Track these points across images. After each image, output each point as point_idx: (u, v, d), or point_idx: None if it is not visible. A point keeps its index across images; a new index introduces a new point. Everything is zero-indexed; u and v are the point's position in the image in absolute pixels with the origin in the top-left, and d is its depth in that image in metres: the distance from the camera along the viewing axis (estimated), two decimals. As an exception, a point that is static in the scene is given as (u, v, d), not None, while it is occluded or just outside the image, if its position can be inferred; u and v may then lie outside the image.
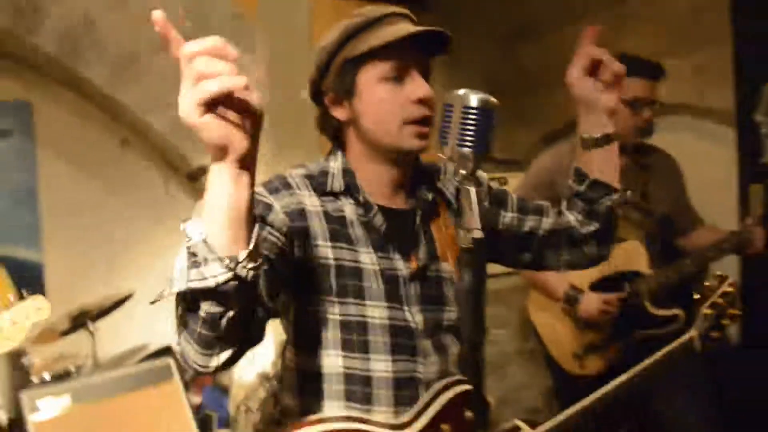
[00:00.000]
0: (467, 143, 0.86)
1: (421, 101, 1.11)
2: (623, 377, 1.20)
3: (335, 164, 1.18)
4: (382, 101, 1.11)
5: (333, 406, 1.12)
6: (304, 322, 1.13)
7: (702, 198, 2.45)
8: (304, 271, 1.10)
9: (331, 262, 1.11)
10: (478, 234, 0.85)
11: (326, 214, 1.13)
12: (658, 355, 1.23)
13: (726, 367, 2.57)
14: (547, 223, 1.32)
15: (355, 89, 1.13)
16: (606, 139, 1.25)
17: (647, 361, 1.22)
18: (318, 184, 1.16)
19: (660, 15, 3.38)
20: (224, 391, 3.30)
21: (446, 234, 1.20)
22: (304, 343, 1.14)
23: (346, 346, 1.10)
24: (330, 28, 1.17)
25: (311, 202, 1.13)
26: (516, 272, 2.26)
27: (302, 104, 3.57)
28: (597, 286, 2.08)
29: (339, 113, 1.16)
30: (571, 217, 1.31)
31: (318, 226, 1.11)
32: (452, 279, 1.18)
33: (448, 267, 1.19)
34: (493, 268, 2.21)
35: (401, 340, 1.13)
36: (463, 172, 0.87)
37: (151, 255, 3.38)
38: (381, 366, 1.11)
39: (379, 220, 1.15)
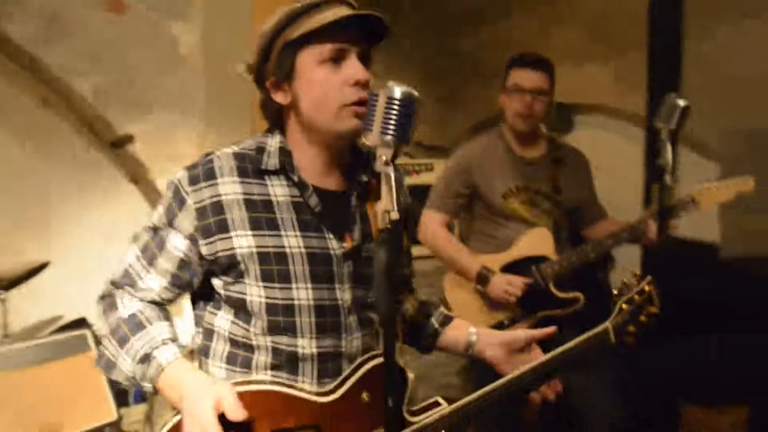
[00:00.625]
0: (390, 131, 0.92)
1: (359, 84, 1.13)
2: (538, 361, 1.26)
3: (272, 141, 1.20)
4: (321, 83, 1.13)
5: (260, 374, 1.18)
6: (232, 302, 1.18)
7: (612, 192, 2.62)
8: (223, 261, 1.15)
9: (254, 250, 1.13)
10: (395, 215, 0.92)
11: (247, 201, 1.15)
12: (572, 342, 1.29)
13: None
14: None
15: (295, 72, 1.14)
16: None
17: (562, 348, 1.28)
18: (252, 161, 1.17)
19: (586, 20, 3.56)
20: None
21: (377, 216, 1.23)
22: (236, 319, 1.19)
23: (273, 327, 1.16)
24: (271, 11, 1.19)
25: (232, 190, 1.15)
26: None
27: (237, 79, 3.54)
28: (508, 269, 2.20)
29: (279, 97, 1.18)
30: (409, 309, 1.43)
31: (237, 216, 1.14)
32: None
33: None
34: (420, 250, 2.32)
35: (328, 319, 1.18)
36: (384, 158, 0.94)
37: (68, 223, 3.27)
38: (306, 343, 1.16)
39: (314, 200, 1.17)
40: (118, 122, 3.11)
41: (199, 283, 1.22)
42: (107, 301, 1.22)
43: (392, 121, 0.92)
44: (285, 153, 1.18)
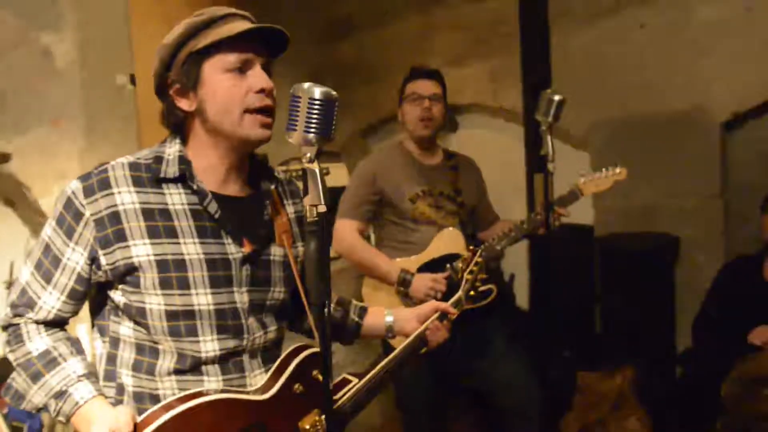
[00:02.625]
0: (312, 129, 0.98)
1: (263, 91, 1.18)
2: (419, 330, 1.49)
3: (171, 150, 1.21)
4: (226, 90, 1.16)
5: (165, 381, 1.20)
6: (132, 311, 1.19)
7: (497, 184, 2.82)
8: (121, 271, 1.16)
9: (152, 258, 1.15)
10: (322, 209, 0.98)
11: (144, 210, 1.16)
12: (436, 314, 1.53)
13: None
14: None
15: (200, 80, 1.17)
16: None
17: (428, 320, 1.52)
18: (150, 171, 1.19)
19: (461, 24, 3.78)
20: (33, 398, 3.05)
21: (282, 221, 1.30)
22: (137, 327, 1.21)
23: (174, 332, 1.18)
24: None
25: (129, 199, 1.16)
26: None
27: (118, 89, 3.42)
28: (424, 270, 2.28)
29: (184, 104, 1.20)
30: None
31: (135, 226, 1.15)
32: (282, 262, 1.28)
33: (280, 251, 1.28)
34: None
35: (229, 322, 1.21)
36: (308, 155, 1.00)
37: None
38: (209, 346, 1.20)
39: (213, 207, 1.20)
40: (-8, 140, 2.90)
41: (94, 293, 1.24)
42: (11, 331, 1.22)
43: (314, 120, 0.98)
44: (184, 161, 1.20)
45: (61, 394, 1.15)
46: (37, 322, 1.22)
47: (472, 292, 1.64)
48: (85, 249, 1.16)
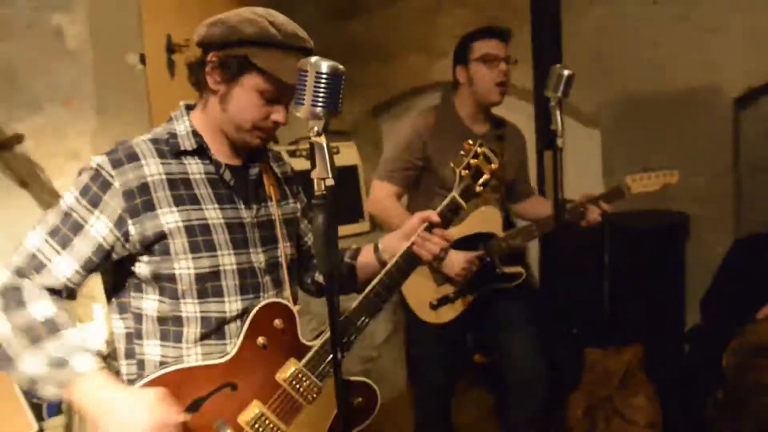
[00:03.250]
0: (320, 103, 0.99)
1: (276, 124, 1.29)
2: (405, 246, 1.40)
3: (182, 126, 1.30)
4: (250, 106, 1.25)
5: (191, 349, 1.26)
6: (161, 280, 1.25)
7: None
8: (150, 240, 1.21)
9: (180, 224, 1.22)
10: (330, 182, 1.00)
11: (170, 181, 1.23)
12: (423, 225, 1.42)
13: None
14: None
15: (236, 81, 1.24)
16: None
17: (424, 225, 1.41)
18: (168, 145, 1.27)
19: (472, 2, 3.74)
20: (51, 374, 3.12)
21: (271, 182, 1.39)
22: (162, 297, 1.26)
23: (202, 294, 1.25)
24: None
25: (156, 170, 1.23)
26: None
27: (129, 69, 3.44)
28: (457, 244, 2.17)
29: (212, 81, 1.26)
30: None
31: (162, 196, 1.22)
32: (280, 220, 1.37)
33: (274, 211, 1.37)
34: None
35: (248, 280, 1.30)
36: (316, 128, 1.01)
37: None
38: (233, 306, 1.28)
39: (227, 175, 1.30)
40: (3, 122, 2.92)
41: (108, 266, 1.25)
42: (12, 294, 1.16)
43: (321, 94, 0.99)
44: (197, 135, 1.29)
45: (59, 362, 1.12)
46: (41, 287, 1.19)
47: (478, 187, 1.47)
48: (110, 219, 1.19)
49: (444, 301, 2.24)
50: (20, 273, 1.18)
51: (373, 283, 1.39)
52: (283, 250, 1.37)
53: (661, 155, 3.11)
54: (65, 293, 1.22)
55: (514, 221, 2.65)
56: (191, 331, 1.26)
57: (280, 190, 1.43)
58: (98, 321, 3.23)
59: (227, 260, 1.27)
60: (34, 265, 1.18)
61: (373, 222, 3.81)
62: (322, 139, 1.01)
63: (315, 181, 1.00)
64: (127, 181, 1.20)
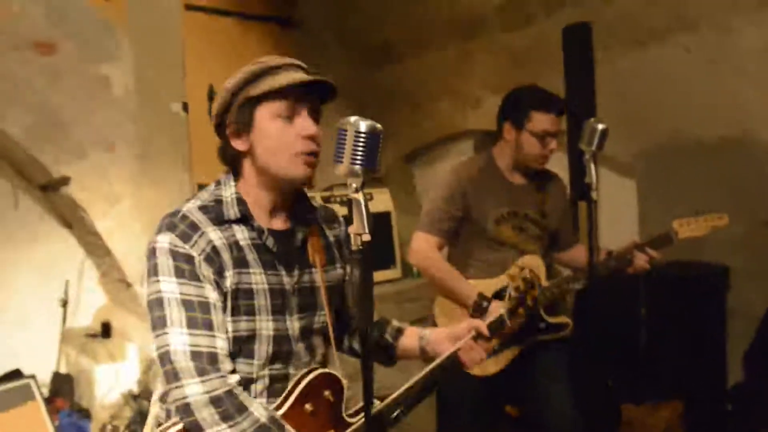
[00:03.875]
0: (358, 161, 1.02)
1: (309, 137, 1.27)
2: (452, 349, 1.46)
3: (228, 193, 1.32)
4: (276, 135, 1.27)
5: None
6: None
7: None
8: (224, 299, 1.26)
9: (232, 287, 1.25)
10: (366, 237, 1.01)
11: (227, 245, 1.27)
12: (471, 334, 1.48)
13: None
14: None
15: (253, 124, 1.28)
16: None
17: (469, 335, 1.48)
18: (215, 212, 1.29)
19: (502, 50, 3.79)
20: (83, 414, 3.15)
21: (318, 247, 1.39)
22: None
23: (233, 354, 1.26)
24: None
25: (216, 236, 1.26)
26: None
27: (172, 116, 3.56)
28: (498, 294, 2.18)
29: (238, 144, 1.30)
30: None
31: (227, 258, 1.25)
32: (321, 288, 1.37)
33: (318, 277, 1.37)
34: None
35: (283, 348, 1.31)
36: (354, 185, 1.04)
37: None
38: (260, 370, 1.29)
39: (270, 241, 1.31)
40: (51, 165, 3.04)
41: None
42: (229, 402, 1.17)
43: (360, 153, 1.02)
44: (241, 202, 1.31)
45: None
46: (237, 382, 1.21)
47: (520, 310, 1.58)
48: (211, 285, 1.23)
49: (490, 354, 2.20)
50: (207, 373, 1.17)
51: (415, 378, 1.40)
52: (327, 317, 1.38)
53: (697, 205, 3.05)
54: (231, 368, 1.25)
55: (555, 271, 2.61)
56: None
57: (328, 254, 1.42)
58: (131, 360, 3.28)
59: (265, 326, 1.28)
60: (208, 359, 1.18)
61: (405, 269, 3.81)
62: (360, 196, 1.03)
63: (352, 236, 1.02)
64: (202, 250, 1.23)
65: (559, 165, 3.54)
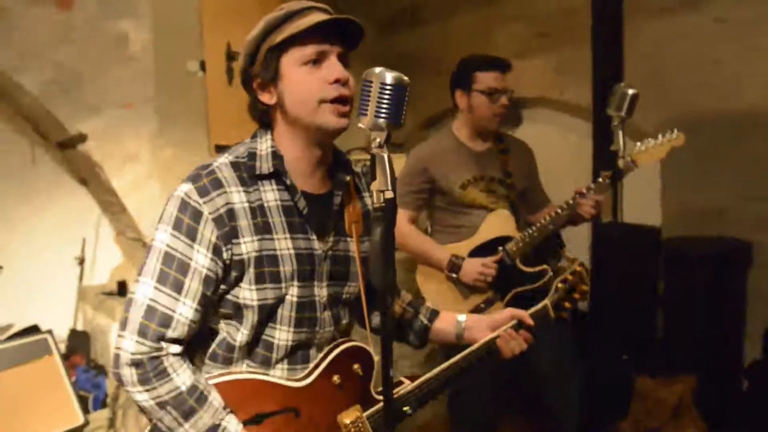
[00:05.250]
0: (383, 114, 0.98)
1: (338, 81, 1.19)
2: (489, 337, 1.43)
3: (264, 146, 1.24)
4: (302, 82, 1.19)
5: (235, 367, 1.25)
6: (227, 306, 1.23)
7: (560, 181, 2.75)
8: (229, 266, 1.19)
9: (253, 254, 1.19)
10: (389, 194, 0.97)
11: (250, 209, 1.20)
12: (512, 323, 1.46)
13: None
14: None
15: (279, 74, 1.20)
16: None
17: (510, 323, 1.45)
18: (246, 168, 1.22)
19: (527, 16, 3.70)
20: (99, 371, 3.19)
21: (354, 214, 1.32)
22: (225, 316, 1.25)
23: (257, 323, 1.22)
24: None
25: (239, 198, 1.19)
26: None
27: (189, 75, 3.53)
28: (475, 254, 2.28)
29: (265, 98, 1.23)
30: (396, 308, 1.53)
31: (245, 224, 1.18)
32: (357, 258, 1.31)
33: (353, 246, 1.32)
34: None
35: (306, 314, 1.26)
36: (378, 140, 0.99)
37: (13, 231, 3.17)
38: (284, 336, 1.25)
39: (302, 203, 1.24)
40: (67, 122, 3.03)
41: (218, 298, 1.22)
42: (149, 367, 1.13)
43: (385, 106, 0.97)
44: (277, 156, 1.23)
45: (213, 428, 1.14)
46: (174, 352, 1.16)
47: (567, 304, 1.53)
48: (208, 249, 1.16)
49: (475, 312, 2.23)
50: (150, 337, 1.14)
51: (450, 362, 1.39)
52: (361, 289, 1.33)
53: (723, 179, 2.98)
54: (187, 336, 1.19)
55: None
56: (238, 355, 1.25)
57: (365, 223, 1.36)
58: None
59: (290, 291, 1.23)
60: (160, 321, 1.14)
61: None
62: (384, 151, 0.99)
63: (374, 193, 0.98)
64: (216, 209, 1.16)
65: (578, 132, 3.50)
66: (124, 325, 1.15)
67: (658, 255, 3.12)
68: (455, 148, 2.38)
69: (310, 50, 1.19)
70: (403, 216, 2.34)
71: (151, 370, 1.13)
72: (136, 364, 1.13)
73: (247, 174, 1.22)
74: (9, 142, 3.20)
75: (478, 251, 2.27)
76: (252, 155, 1.24)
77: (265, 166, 1.22)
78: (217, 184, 1.18)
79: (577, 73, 3.43)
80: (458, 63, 2.42)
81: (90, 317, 3.32)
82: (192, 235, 1.16)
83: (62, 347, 3.01)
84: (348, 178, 1.31)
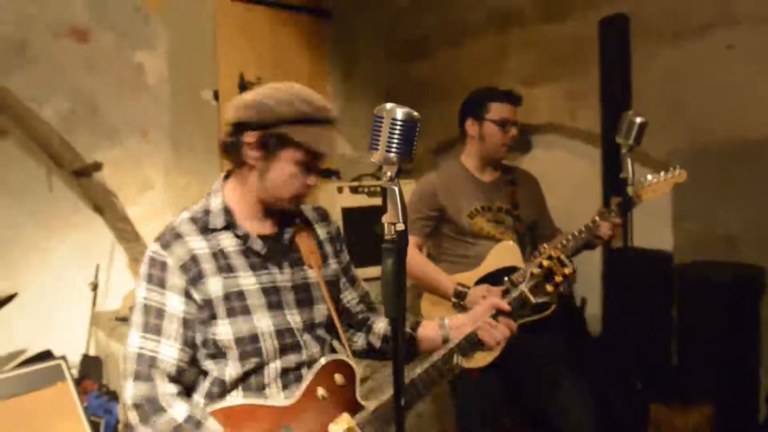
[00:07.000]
0: (394, 149, 1.01)
1: (310, 188, 1.38)
2: (469, 330, 1.47)
3: (215, 204, 1.40)
4: (288, 177, 1.34)
5: (232, 397, 1.34)
6: (206, 345, 1.34)
7: (570, 207, 2.76)
8: (201, 306, 1.32)
9: (220, 293, 1.32)
10: (401, 227, 1.00)
11: (210, 253, 1.34)
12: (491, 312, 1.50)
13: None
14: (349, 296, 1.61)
15: (275, 156, 1.33)
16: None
17: (489, 314, 1.49)
18: (202, 222, 1.37)
19: (537, 43, 3.74)
20: (111, 397, 3.19)
21: (309, 245, 1.46)
22: (210, 356, 1.35)
23: (243, 356, 1.33)
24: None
25: (199, 246, 1.34)
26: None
27: (203, 104, 3.59)
28: (480, 283, 2.28)
29: (251, 156, 1.34)
30: (381, 326, 1.61)
31: (208, 267, 1.33)
32: (316, 283, 1.43)
33: (312, 273, 1.44)
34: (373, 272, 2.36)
35: (287, 340, 1.36)
36: (389, 173, 1.02)
37: (30, 257, 3.21)
38: (272, 365, 1.35)
39: (257, 244, 1.38)
40: (84, 150, 3.09)
41: (201, 339, 1.33)
42: (147, 406, 1.26)
43: (396, 141, 1.00)
44: (227, 212, 1.38)
45: None
46: (169, 392, 1.28)
47: (548, 287, 1.54)
48: (179, 294, 1.30)
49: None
50: (141, 376, 1.28)
51: (434, 358, 1.43)
52: (331, 310, 1.43)
53: (734, 205, 2.97)
54: (180, 374, 1.32)
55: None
56: (232, 388, 1.34)
57: (322, 251, 1.49)
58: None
59: (263, 323, 1.34)
60: (149, 363, 1.28)
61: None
62: (395, 185, 1.02)
63: (385, 225, 1.00)
64: (179, 257, 1.31)
65: (589, 158, 3.51)
66: (124, 376, 1.30)
67: (671, 280, 3.10)
68: (464, 177, 2.41)
69: (308, 160, 1.34)
70: (410, 242, 2.34)
71: (149, 409, 1.26)
72: (136, 405, 1.27)
73: (204, 227, 1.37)
74: (26, 169, 3.26)
75: (484, 281, 2.29)
76: (207, 211, 1.39)
77: (217, 221, 1.37)
78: (177, 236, 1.34)
79: (587, 99, 3.46)
80: (471, 93, 2.47)
81: (103, 342, 3.34)
82: (162, 284, 1.30)
83: (74, 372, 3.03)
84: (297, 219, 1.46)
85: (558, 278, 1.54)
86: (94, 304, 3.35)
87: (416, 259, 2.36)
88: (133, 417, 1.26)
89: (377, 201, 3.45)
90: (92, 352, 3.38)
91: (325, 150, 1.32)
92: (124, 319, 3.36)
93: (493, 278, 2.28)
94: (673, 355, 3.11)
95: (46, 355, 2.82)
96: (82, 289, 3.34)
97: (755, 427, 2.79)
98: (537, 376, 2.32)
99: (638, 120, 1.83)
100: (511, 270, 2.28)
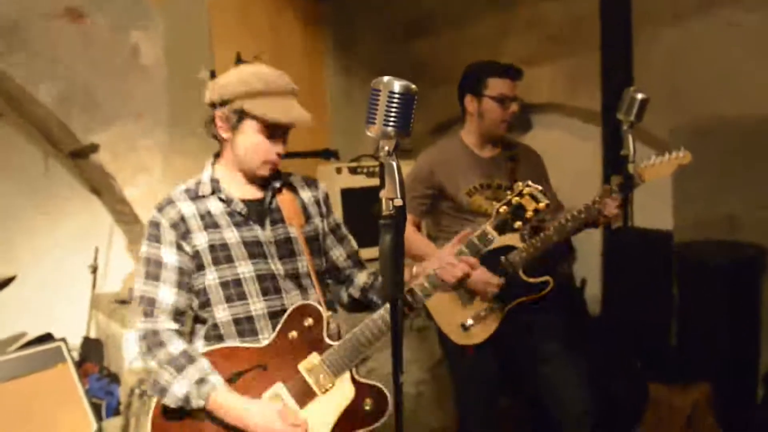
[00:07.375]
0: (391, 123, 0.99)
1: (279, 155, 1.57)
2: (429, 270, 1.51)
3: (206, 175, 1.62)
4: (252, 146, 1.54)
5: (230, 343, 1.55)
6: (197, 290, 1.57)
7: (570, 187, 2.74)
8: (192, 257, 1.55)
9: (206, 244, 1.55)
10: (399, 202, 0.98)
11: (199, 214, 1.58)
12: (461, 246, 1.55)
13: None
14: (337, 254, 1.77)
15: (238, 129, 1.54)
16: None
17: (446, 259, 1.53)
18: (193, 191, 1.61)
19: (537, 23, 3.69)
20: (113, 379, 3.21)
21: (292, 207, 1.64)
22: (203, 304, 1.57)
23: (228, 298, 1.55)
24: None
25: (188, 209, 1.58)
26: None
27: (200, 84, 3.56)
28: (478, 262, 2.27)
29: (222, 132, 1.56)
30: (362, 278, 1.76)
31: (194, 224, 1.56)
32: (297, 238, 1.62)
33: (294, 230, 1.63)
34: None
35: (269, 284, 1.57)
36: (386, 148, 1.00)
37: (26, 240, 3.21)
38: (258, 306, 1.55)
39: (239, 206, 1.59)
40: (80, 132, 3.06)
41: (196, 288, 1.57)
42: (150, 337, 1.51)
43: (393, 114, 0.98)
44: (214, 181, 1.61)
45: (201, 380, 1.45)
46: (168, 327, 1.51)
47: (517, 223, 1.51)
48: (171, 246, 1.54)
49: (475, 320, 2.25)
50: (146, 314, 1.52)
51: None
52: (308, 262, 1.62)
53: (736, 185, 2.95)
54: (182, 315, 1.55)
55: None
56: (227, 332, 1.55)
57: (306, 212, 1.68)
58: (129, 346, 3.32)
59: (245, 268, 1.55)
60: (148, 303, 1.52)
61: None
62: (393, 159, 1.00)
63: (383, 200, 0.99)
64: (170, 218, 1.56)
65: (589, 137, 3.48)
66: (133, 314, 1.54)
67: (671, 260, 3.10)
68: (463, 154, 2.37)
69: (269, 131, 1.52)
70: (407, 220, 2.33)
71: (151, 341, 1.50)
72: (141, 337, 1.51)
73: (195, 195, 1.60)
74: (23, 152, 3.24)
75: (482, 260, 2.26)
76: (198, 182, 1.62)
77: (206, 189, 1.60)
78: (170, 201, 1.59)
79: (587, 79, 3.42)
80: (469, 66, 2.41)
81: (103, 325, 3.35)
82: (158, 240, 1.55)
83: (75, 355, 3.03)
84: (278, 184, 1.64)
85: (529, 213, 1.49)
86: (93, 286, 3.35)
87: (413, 237, 2.34)
88: (139, 347, 1.50)
89: (376, 181, 3.44)
90: (93, 335, 3.38)
91: (279, 118, 1.48)
92: (124, 302, 3.36)
93: (489, 257, 2.22)
94: (673, 335, 3.11)
95: (46, 338, 2.83)
96: (81, 272, 3.34)
97: (754, 407, 2.80)
98: (533, 356, 2.32)
99: (639, 96, 1.81)
100: (508, 249, 2.27)
